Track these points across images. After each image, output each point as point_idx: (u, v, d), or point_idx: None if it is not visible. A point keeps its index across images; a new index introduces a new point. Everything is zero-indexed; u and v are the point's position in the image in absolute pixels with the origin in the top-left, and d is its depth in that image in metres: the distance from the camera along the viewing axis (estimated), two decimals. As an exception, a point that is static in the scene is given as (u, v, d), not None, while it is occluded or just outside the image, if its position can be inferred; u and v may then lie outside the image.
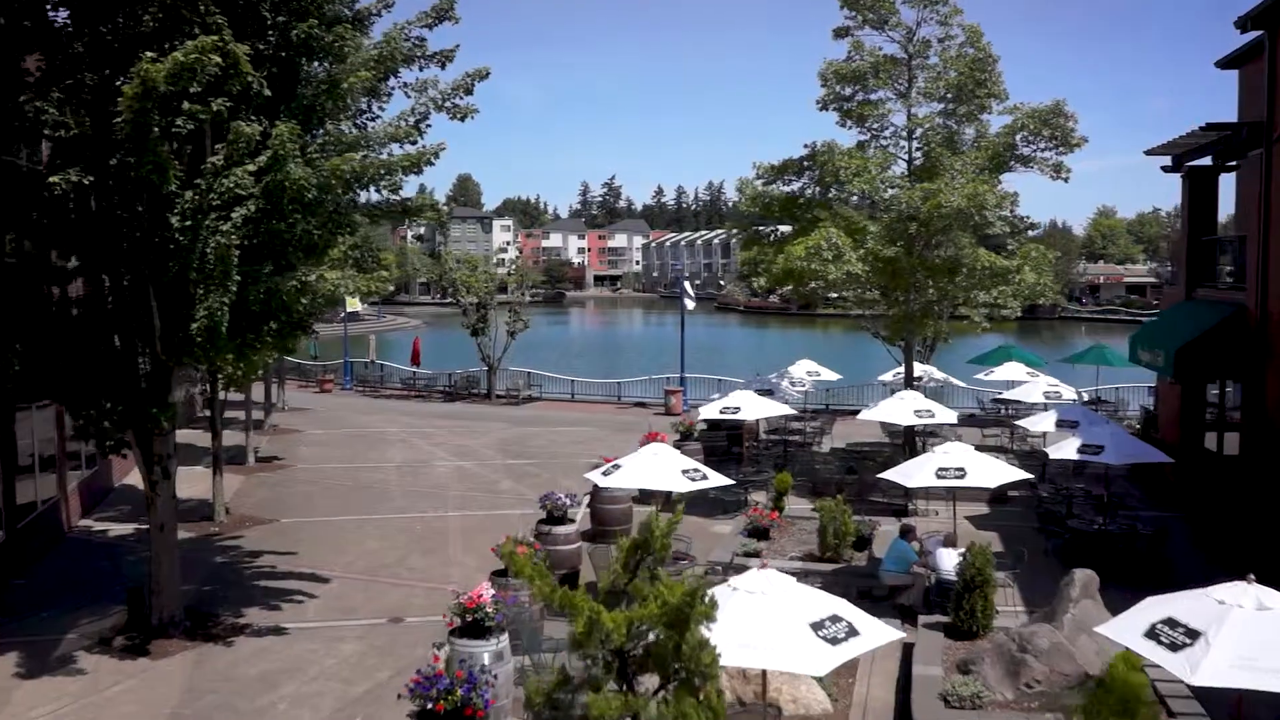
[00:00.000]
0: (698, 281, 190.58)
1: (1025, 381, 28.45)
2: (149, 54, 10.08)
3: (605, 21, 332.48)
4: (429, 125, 13.58)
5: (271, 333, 12.93)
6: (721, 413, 20.08)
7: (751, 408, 19.94)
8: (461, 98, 13.60)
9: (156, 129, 10.47)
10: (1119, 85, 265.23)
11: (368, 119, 13.43)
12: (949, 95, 22.60)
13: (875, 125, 23.66)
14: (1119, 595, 13.68)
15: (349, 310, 45.46)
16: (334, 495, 22.91)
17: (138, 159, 10.56)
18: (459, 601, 10.95)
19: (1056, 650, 11.30)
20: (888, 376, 29.86)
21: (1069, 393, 24.59)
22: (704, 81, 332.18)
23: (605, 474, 14.40)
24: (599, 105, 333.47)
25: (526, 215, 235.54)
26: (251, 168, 10.96)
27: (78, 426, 13.26)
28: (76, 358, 12.41)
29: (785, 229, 25.24)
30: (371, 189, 12.95)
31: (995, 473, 14.40)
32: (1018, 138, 22.15)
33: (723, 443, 25.25)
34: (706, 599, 6.21)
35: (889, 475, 15.35)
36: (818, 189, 23.05)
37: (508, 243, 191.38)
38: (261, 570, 17.12)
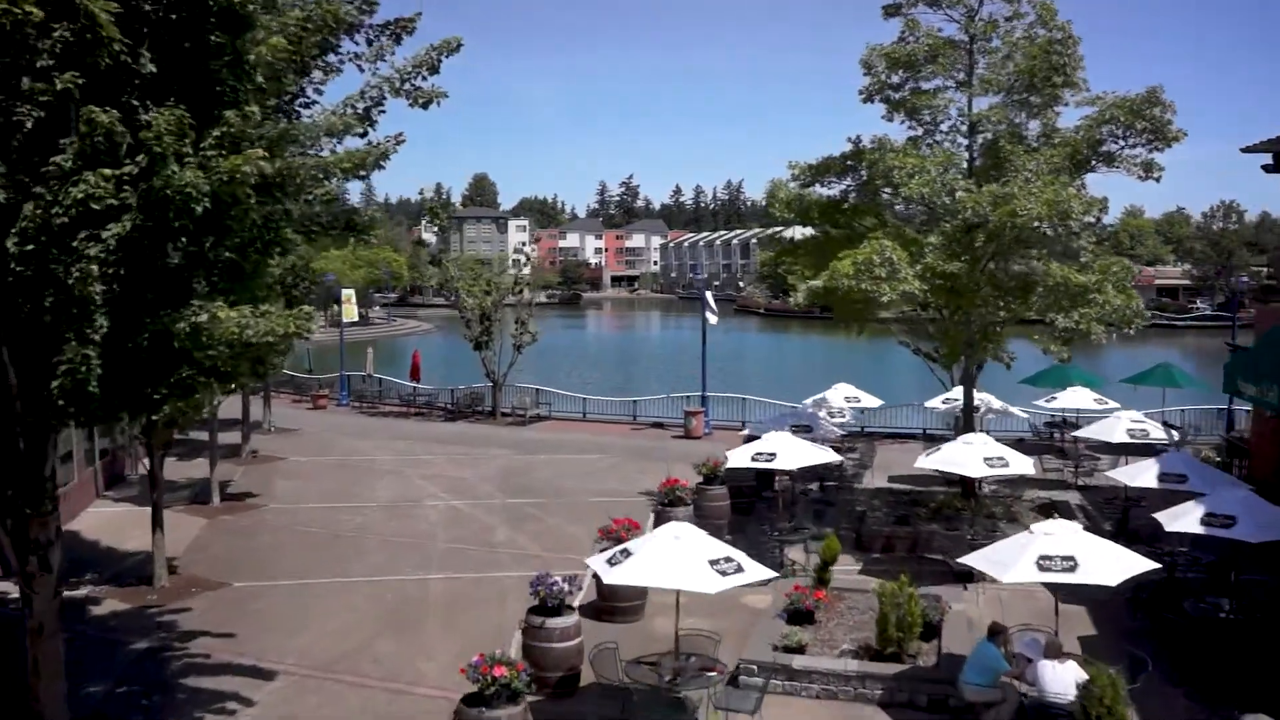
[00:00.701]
0: (716, 283, 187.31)
1: (1095, 412, 25.03)
2: (-66, 5, 7.03)
3: (623, 20, 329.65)
4: (383, 111, 10.45)
5: (173, 388, 9.83)
6: (754, 459, 16.87)
7: (789, 454, 16.72)
8: (424, 77, 10.47)
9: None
10: (1142, 77, 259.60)
11: (301, 105, 10.33)
12: (1017, 83, 19.29)
13: (929, 118, 20.38)
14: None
15: (347, 319, 42.69)
16: (304, 547, 19.84)
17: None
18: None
19: None
20: (937, 402, 26.50)
21: (1157, 430, 21.02)
22: (723, 79, 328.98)
23: (611, 562, 11.22)
24: (617, 104, 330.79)
25: (543, 215, 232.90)
26: (109, 171, 7.86)
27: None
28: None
29: (809, 229, 22.08)
30: (302, 197, 9.83)
31: (1115, 564, 11.13)
32: (1102, 131, 18.83)
33: (751, 482, 22.06)
34: None
35: (973, 562, 12.07)
36: (864, 193, 19.78)
37: (523, 243, 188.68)
38: (194, 661, 14.04)
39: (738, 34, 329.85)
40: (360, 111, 10.46)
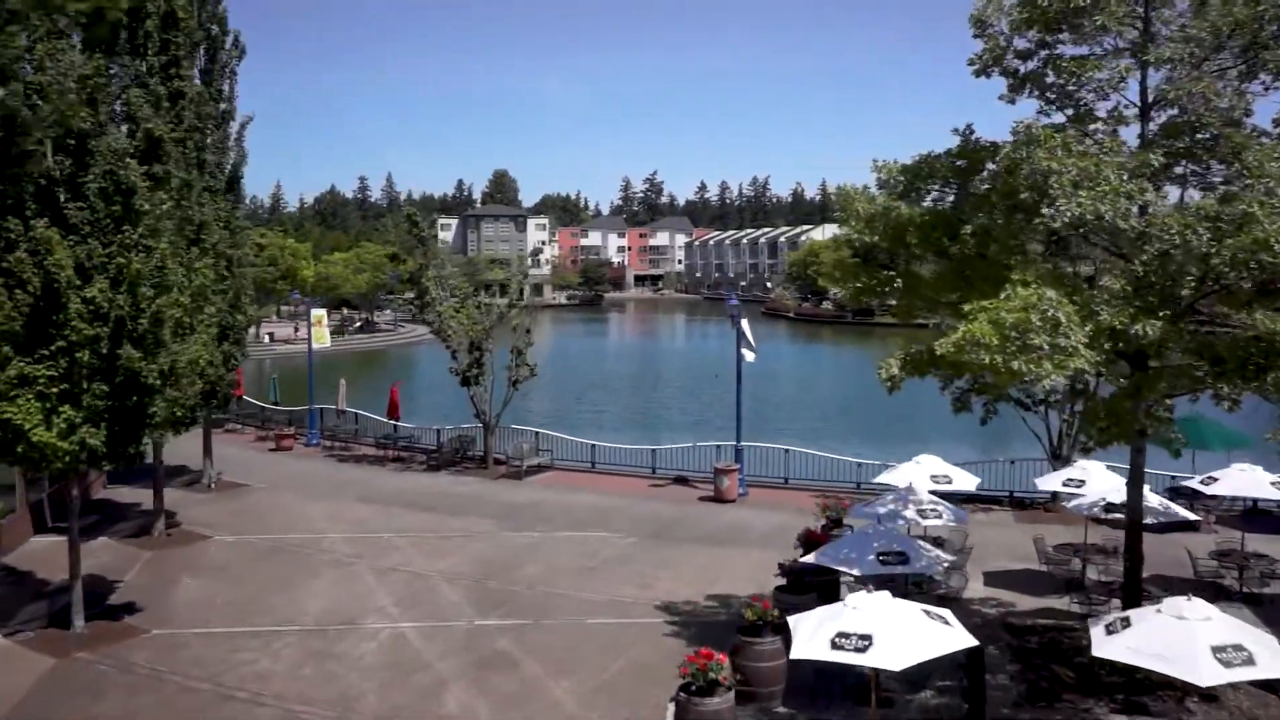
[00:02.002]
0: (743, 283, 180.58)
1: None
2: None
3: (646, 16, 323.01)
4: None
5: None
6: (837, 646, 10.30)
7: (892, 637, 10.16)
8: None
9: None
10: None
11: None
12: (1233, 38, 12.73)
13: (1081, 97, 13.85)
14: None
15: (317, 344, 36.67)
16: (165, 723, 13.64)
17: None
18: None
19: None
20: (1054, 483, 19.73)
21: None
22: (747, 75, 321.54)
23: None
24: (642, 100, 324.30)
25: (566, 212, 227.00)
26: None
27: None
28: None
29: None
30: None
31: None
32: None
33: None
34: None
35: None
36: (991, 206, 13.15)
37: (542, 242, 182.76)
38: None
39: (763, 30, 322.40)
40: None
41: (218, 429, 38.06)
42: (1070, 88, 13.49)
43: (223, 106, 26.95)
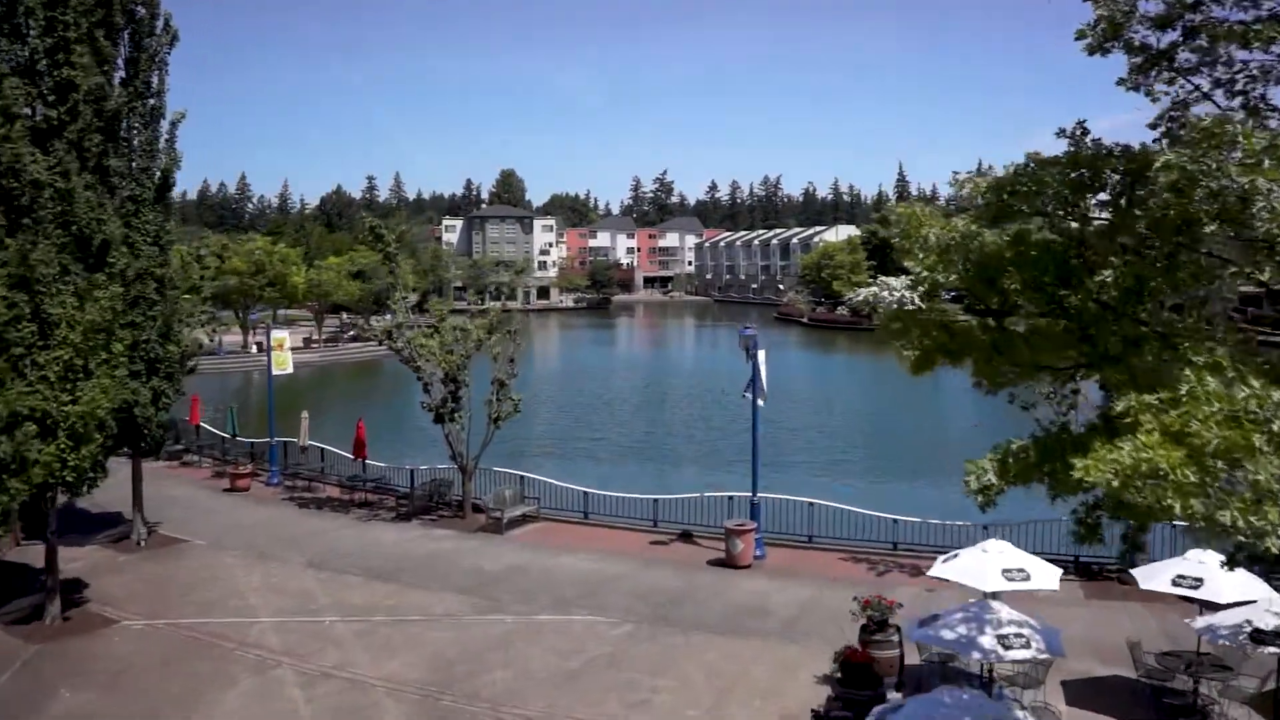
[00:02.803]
0: (754, 285, 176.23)
1: None
2: None
3: (657, 14, 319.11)
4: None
5: None
6: None
7: None
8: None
9: None
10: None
11: None
12: None
13: (1249, 80, 9.72)
14: None
15: (278, 369, 32.72)
16: None
17: None
18: None
19: None
20: (1154, 577, 15.56)
21: None
22: (757, 73, 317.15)
23: None
24: (652, 99, 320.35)
25: (575, 212, 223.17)
26: None
27: None
28: None
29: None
30: None
31: None
32: None
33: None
34: None
35: None
36: (1150, 244, 8.97)
37: (550, 243, 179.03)
38: None
39: (774, 27, 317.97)
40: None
41: (173, 461, 34.43)
42: (1243, 66, 9.33)
43: (150, 102, 23.03)
